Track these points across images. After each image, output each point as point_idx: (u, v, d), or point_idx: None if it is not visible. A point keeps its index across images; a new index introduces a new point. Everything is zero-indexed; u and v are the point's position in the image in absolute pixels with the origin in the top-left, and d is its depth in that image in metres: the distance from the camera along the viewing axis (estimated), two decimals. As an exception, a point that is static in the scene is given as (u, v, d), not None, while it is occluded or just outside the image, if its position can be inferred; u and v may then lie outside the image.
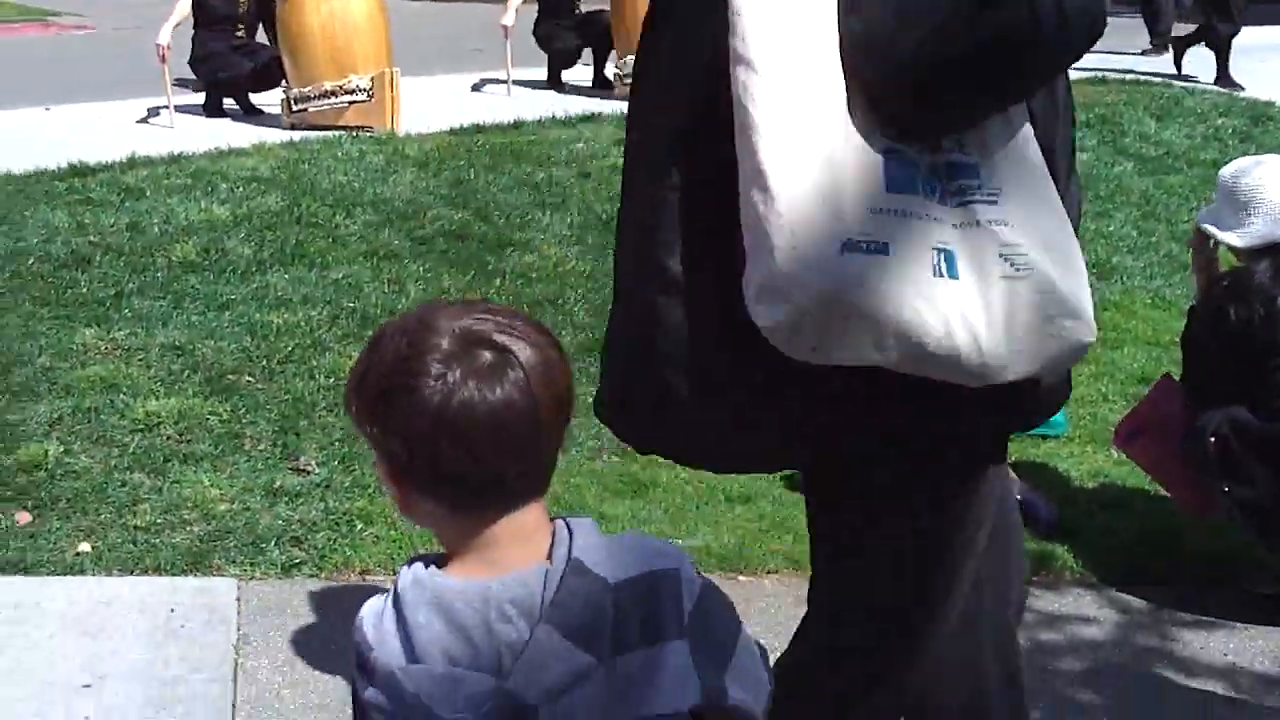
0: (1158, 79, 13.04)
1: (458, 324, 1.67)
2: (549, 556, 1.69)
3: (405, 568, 1.72)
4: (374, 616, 1.70)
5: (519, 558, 1.69)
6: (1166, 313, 7.45)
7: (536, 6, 12.83)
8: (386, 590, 1.73)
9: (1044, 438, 5.71)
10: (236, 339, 6.32)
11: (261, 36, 11.52)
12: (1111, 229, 8.78)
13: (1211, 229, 4.72)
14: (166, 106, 10.82)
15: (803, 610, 2.73)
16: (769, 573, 4.72)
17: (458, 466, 1.65)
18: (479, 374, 1.64)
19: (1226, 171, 4.77)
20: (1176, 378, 4.91)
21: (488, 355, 1.65)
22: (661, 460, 5.43)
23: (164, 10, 11.08)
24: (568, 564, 1.67)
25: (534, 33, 12.77)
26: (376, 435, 1.70)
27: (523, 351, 1.66)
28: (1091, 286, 7.76)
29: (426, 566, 1.71)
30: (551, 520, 1.74)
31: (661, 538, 4.75)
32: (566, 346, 5.97)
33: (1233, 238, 4.64)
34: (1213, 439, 4.54)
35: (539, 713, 1.63)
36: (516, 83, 12.52)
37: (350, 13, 10.38)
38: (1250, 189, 4.61)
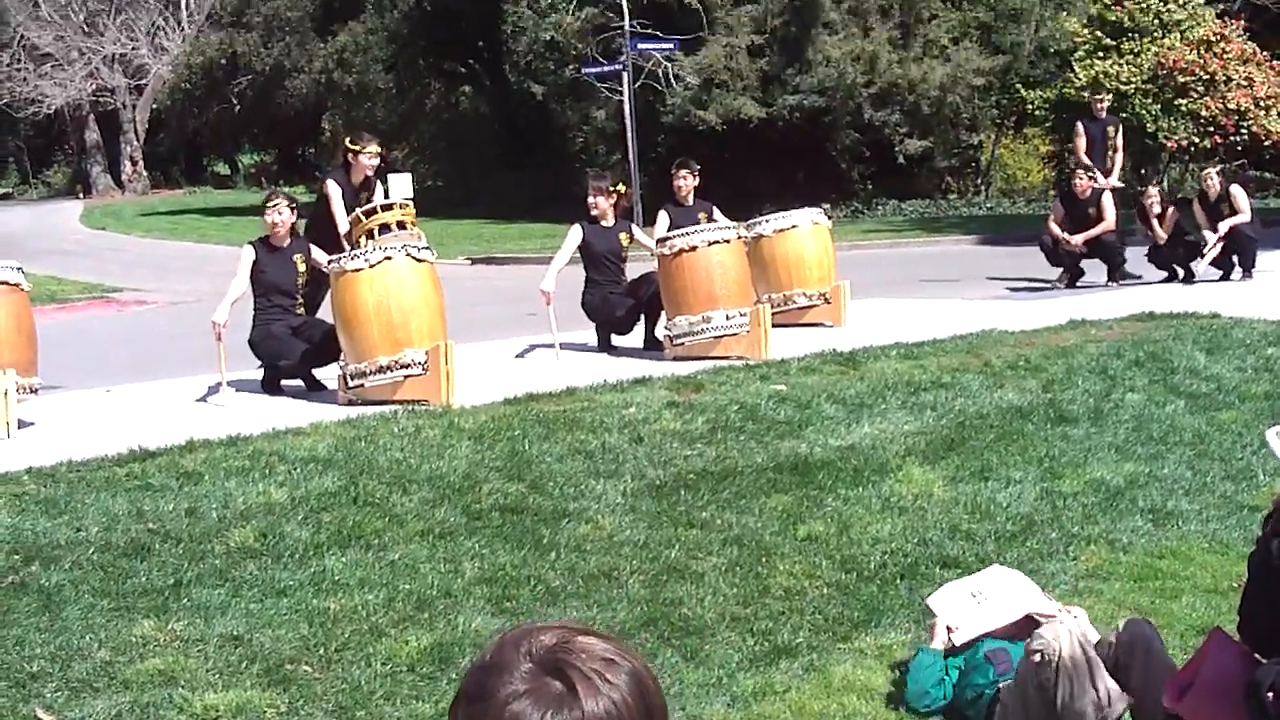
0: (1205, 312, 13.09)
1: (546, 649, 1.72)
2: None
3: None
4: None
5: None
6: (1224, 557, 7.34)
7: (583, 272, 13.03)
8: None
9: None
10: (294, 627, 6.36)
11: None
12: (1165, 471, 8.72)
13: (1274, 439, 4.75)
14: (222, 384, 11.01)
15: None
16: None
17: None
18: (540, 701, 1.67)
19: None
20: (1231, 629, 4.86)
21: (557, 687, 1.68)
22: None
23: (221, 284, 11.28)
24: None
25: (583, 304, 12.92)
26: None
27: (591, 698, 1.68)
28: (1147, 534, 7.67)
29: None
30: None
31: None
32: (622, 622, 5.91)
33: None
34: (1270, 694, 4.46)
35: None
36: (566, 346, 12.69)
37: (405, 290, 10.46)
38: None
